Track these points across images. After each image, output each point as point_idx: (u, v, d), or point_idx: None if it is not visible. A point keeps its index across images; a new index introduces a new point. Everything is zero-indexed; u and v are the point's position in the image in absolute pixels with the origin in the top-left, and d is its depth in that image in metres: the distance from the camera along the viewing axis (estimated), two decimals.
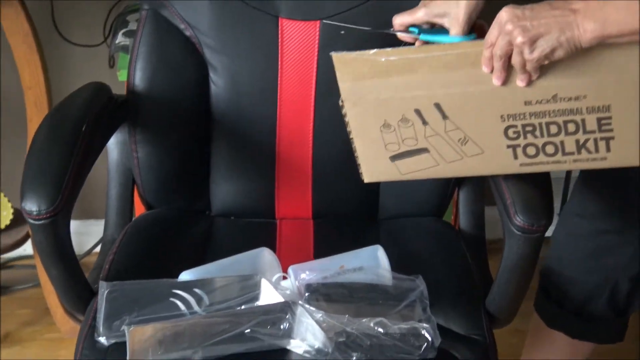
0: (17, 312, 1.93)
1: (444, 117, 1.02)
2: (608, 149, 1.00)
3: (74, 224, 1.10)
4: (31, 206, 1.01)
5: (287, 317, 1.02)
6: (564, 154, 1.02)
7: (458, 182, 1.37)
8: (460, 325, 1.13)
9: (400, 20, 1.09)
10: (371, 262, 1.14)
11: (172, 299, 1.06)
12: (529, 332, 1.50)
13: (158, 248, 1.27)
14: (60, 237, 1.05)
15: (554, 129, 1.00)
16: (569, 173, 2.03)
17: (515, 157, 1.03)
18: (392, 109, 1.03)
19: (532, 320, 1.45)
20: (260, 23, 1.28)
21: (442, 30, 1.08)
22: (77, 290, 1.13)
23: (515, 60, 0.94)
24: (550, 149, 1.02)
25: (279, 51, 1.29)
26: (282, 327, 1.02)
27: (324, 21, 1.14)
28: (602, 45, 0.92)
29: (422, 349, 1.02)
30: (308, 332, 1.02)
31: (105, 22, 1.81)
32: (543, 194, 1.07)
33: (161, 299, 1.06)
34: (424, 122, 1.03)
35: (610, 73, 0.95)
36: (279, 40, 1.29)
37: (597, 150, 1.01)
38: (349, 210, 1.39)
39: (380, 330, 1.02)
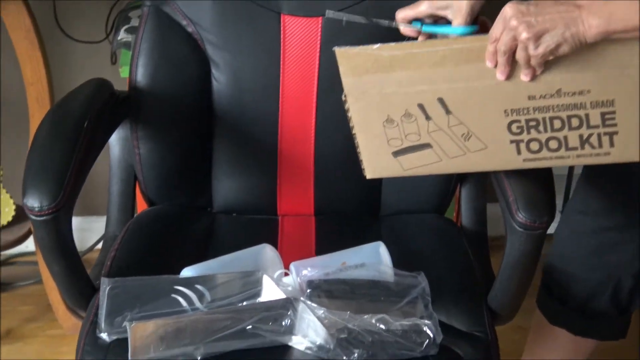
0: (19, 309, 1.93)
1: (447, 112, 1.02)
2: (612, 144, 1.00)
3: (75, 221, 1.09)
4: (33, 202, 1.01)
5: (289, 313, 1.02)
6: (567, 149, 1.02)
7: (460, 179, 1.37)
8: (462, 322, 1.13)
9: (403, 14, 1.09)
10: (373, 259, 1.14)
11: (173, 295, 1.06)
12: (531, 329, 1.49)
13: (160, 244, 1.27)
14: (62, 233, 1.05)
15: (557, 123, 1.00)
16: (571, 170, 2.03)
17: (519, 152, 1.03)
18: (396, 103, 1.03)
19: (534, 317, 1.45)
20: (262, 19, 1.28)
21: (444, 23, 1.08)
22: (79, 287, 1.13)
23: (520, 55, 0.94)
24: (553, 144, 1.02)
25: (281, 48, 1.29)
26: (283, 323, 1.02)
27: (327, 11, 1.14)
28: (606, 40, 0.92)
29: (424, 345, 1.02)
30: (310, 328, 1.01)
31: (108, 18, 1.80)
32: (545, 190, 1.07)
33: (163, 295, 1.06)
34: (427, 117, 1.03)
35: (614, 68, 0.95)
36: (281, 36, 1.28)
37: (600, 145, 1.01)
38: (351, 206, 1.39)
39: (382, 326, 1.02)
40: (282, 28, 1.28)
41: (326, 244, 1.27)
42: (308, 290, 1.06)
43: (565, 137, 1.01)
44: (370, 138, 1.07)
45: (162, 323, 1.01)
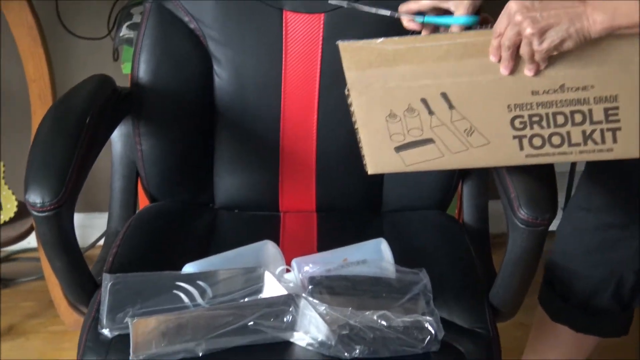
0: (21, 305, 1.94)
1: (451, 106, 1.02)
2: (614, 140, 1.00)
3: (77, 217, 1.10)
4: (35, 198, 1.01)
5: (291, 309, 1.02)
6: (570, 145, 1.01)
7: (462, 175, 1.37)
8: (463, 319, 1.12)
9: (406, 8, 1.10)
10: (375, 255, 1.14)
11: (175, 292, 1.06)
12: (533, 325, 1.49)
13: (162, 241, 1.27)
14: (64, 229, 1.05)
15: (560, 119, 1.00)
16: (573, 167, 2.03)
17: (521, 148, 1.03)
18: (399, 98, 1.03)
19: (536, 314, 1.45)
20: (264, 16, 1.28)
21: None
22: (81, 283, 1.13)
23: (524, 50, 0.94)
24: (556, 139, 1.02)
25: (283, 44, 1.29)
26: (285, 319, 1.02)
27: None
28: (610, 35, 0.91)
29: (426, 342, 1.02)
30: (311, 324, 1.01)
31: (110, 14, 1.80)
32: (547, 187, 1.06)
33: (164, 291, 1.06)
34: (430, 112, 1.03)
35: (618, 63, 0.95)
36: (283, 33, 1.28)
37: (603, 141, 1.00)
38: (353, 203, 1.39)
39: (384, 323, 1.02)
40: (284, 24, 1.28)
41: (328, 240, 1.27)
42: (310, 287, 1.06)
43: (568, 133, 1.01)
44: (373, 133, 1.07)
45: (164, 319, 1.01)
